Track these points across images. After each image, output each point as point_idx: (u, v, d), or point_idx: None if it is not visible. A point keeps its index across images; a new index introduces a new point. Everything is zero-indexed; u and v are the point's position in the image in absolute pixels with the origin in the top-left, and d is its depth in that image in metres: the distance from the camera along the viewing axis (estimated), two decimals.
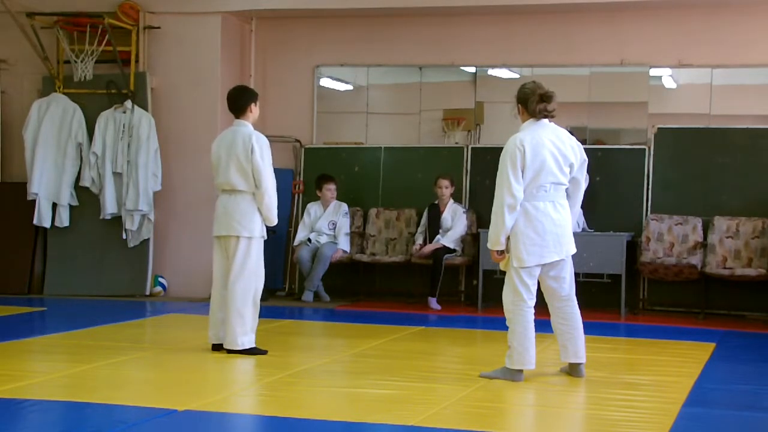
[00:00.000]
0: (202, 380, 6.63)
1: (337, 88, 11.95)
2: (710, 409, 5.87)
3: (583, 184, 6.66)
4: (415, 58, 11.38)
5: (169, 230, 11.27)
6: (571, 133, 6.65)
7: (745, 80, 10.74)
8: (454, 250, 10.58)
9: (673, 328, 9.31)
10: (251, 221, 7.29)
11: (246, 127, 7.39)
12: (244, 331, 7.26)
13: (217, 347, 7.41)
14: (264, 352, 7.31)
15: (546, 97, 6.41)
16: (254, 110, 7.47)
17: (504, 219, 6.31)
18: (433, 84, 11.49)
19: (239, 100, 7.45)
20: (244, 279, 7.27)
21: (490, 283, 9.88)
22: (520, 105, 6.50)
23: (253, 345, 7.32)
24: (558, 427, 5.57)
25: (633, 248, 10.25)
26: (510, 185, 6.29)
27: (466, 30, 11.17)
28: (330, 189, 11.07)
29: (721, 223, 10.19)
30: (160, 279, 11.15)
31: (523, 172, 6.31)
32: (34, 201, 10.96)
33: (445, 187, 10.67)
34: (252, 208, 7.30)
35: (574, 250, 6.53)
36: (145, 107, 11.03)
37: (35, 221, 10.99)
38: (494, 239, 6.39)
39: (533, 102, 6.40)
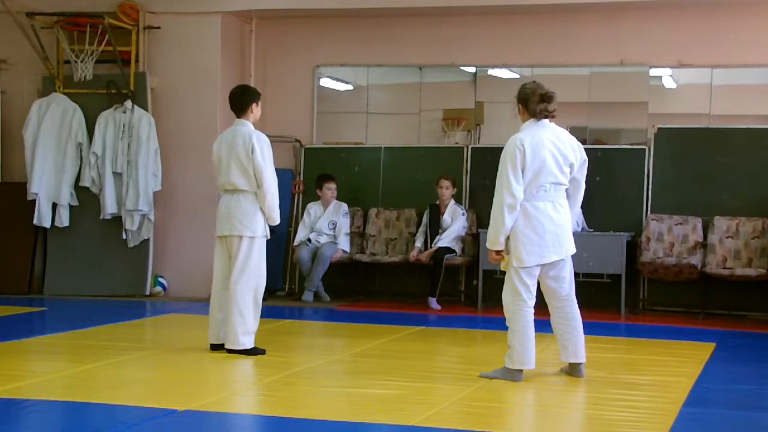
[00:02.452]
0: (202, 380, 6.63)
1: (337, 88, 11.95)
2: (710, 409, 5.88)
3: (583, 184, 6.66)
4: (415, 58, 11.38)
5: (169, 230, 11.27)
6: (572, 133, 6.66)
7: (745, 80, 10.74)
8: (453, 251, 10.58)
9: (673, 328, 9.31)
10: (253, 221, 7.30)
11: (246, 126, 7.39)
12: (246, 330, 7.26)
13: (216, 347, 7.42)
14: (263, 352, 7.31)
15: (546, 97, 6.41)
16: (255, 110, 7.47)
17: (504, 219, 6.31)
18: (433, 84, 11.49)
19: (241, 100, 7.46)
20: (245, 278, 7.27)
21: (490, 283, 9.88)
22: (520, 105, 6.50)
23: (254, 345, 7.32)
24: (558, 427, 5.57)
25: (633, 248, 10.25)
26: (510, 185, 6.29)
27: (466, 30, 11.17)
28: (330, 188, 11.07)
29: (721, 223, 10.19)
30: (160, 279, 11.15)
31: (523, 172, 6.32)
32: (34, 201, 10.96)
33: (446, 188, 10.66)
34: (254, 208, 7.30)
35: (573, 250, 6.54)
36: (145, 107, 11.03)
37: (35, 221, 10.99)
38: (493, 239, 6.40)
39: (534, 102, 6.40)
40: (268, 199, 7.27)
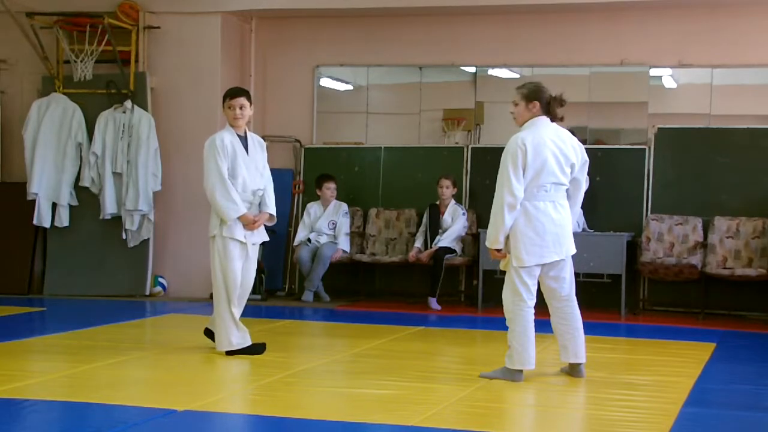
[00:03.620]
0: (202, 380, 6.63)
1: (337, 88, 11.95)
2: (710, 410, 5.87)
3: (584, 184, 6.66)
4: (415, 58, 11.38)
5: (169, 230, 11.26)
6: (573, 134, 6.66)
7: (745, 80, 10.74)
8: (453, 250, 10.58)
9: (673, 328, 9.31)
10: (211, 221, 7.32)
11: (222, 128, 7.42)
12: (230, 331, 7.23)
13: (207, 333, 7.49)
14: (262, 347, 7.30)
15: (564, 102, 6.46)
16: (224, 111, 7.39)
17: (503, 218, 6.31)
18: (433, 84, 11.49)
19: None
20: (215, 280, 7.27)
21: (490, 283, 9.88)
22: (535, 102, 6.44)
23: (246, 344, 7.28)
24: (558, 427, 5.57)
25: (633, 248, 10.25)
26: (511, 184, 6.29)
27: (466, 30, 11.17)
28: (330, 188, 11.07)
29: (721, 223, 10.19)
30: (160, 279, 11.15)
31: (524, 171, 6.32)
32: (34, 201, 10.96)
33: (447, 187, 10.66)
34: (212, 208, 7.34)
35: (574, 251, 6.54)
36: (144, 107, 11.03)
37: (35, 221, 10.99)
38: (493, 238, 6.39)
39: (556, 104, 6.42)
40: (208, 198, 7.24)
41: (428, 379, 6.54)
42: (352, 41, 11.51)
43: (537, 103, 6.45)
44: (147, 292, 11.05)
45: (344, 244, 10.96)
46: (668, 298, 10.39)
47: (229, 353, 7.24)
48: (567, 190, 6.53)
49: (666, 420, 5.46)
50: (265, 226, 7.49)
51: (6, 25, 10.94)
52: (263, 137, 11.41)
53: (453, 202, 10.74)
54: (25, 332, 8.57)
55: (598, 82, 10.89)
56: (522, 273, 6.40)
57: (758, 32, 10.41)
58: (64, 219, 11.06)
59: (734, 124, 10.49)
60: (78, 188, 11.09)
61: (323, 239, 11.02)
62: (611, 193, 10.54)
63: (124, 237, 10.98)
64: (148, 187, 10.89)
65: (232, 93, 7.41)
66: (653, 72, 10.80)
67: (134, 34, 11.11)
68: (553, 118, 6.47)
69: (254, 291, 7.81)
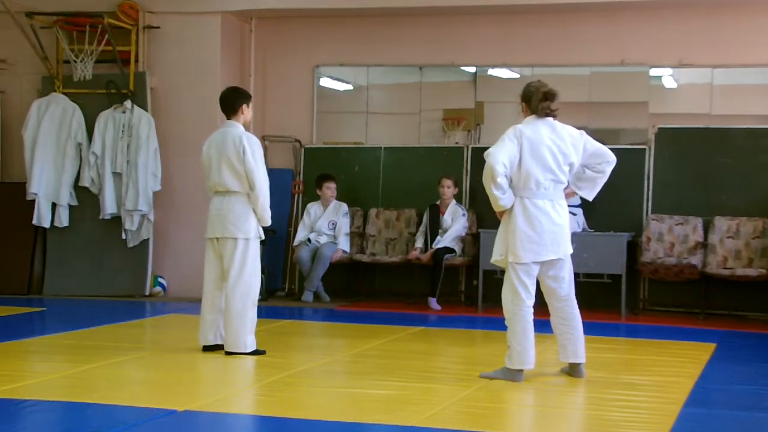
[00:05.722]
0: (202, 380, 6.64)
1: (337, 88, 11.95)
2: (710, 410, 5.87)
3: (604, 176, 6.72)
4: (415, 58, 11.37)
5: (169, 230, 11.26)
6: None
7: (746, 80, 10.74)
8: (453, 250, 10.58)
9: (673, 328, 9.31)
10: (246, 222, 7.26)
11: (236, 128, 7.36)
12: (248, 333, 7.25)
13: (209, 348, 7.40)
14: (263, 353, 7.31)
15: (549, 95, 6.44)
16: (246, 111, 7.42)
17: (492, 191, 6.42)
18: (433, 84, 11.48)
19: (231, 101, 7.43)
20: (244, 281, 7.25)
21: (490, 283, 9.87)
22: (524, 103, 6.52)
23: (255, 346, 7.32)
24: (558, 427, 5.57)
25: (633, 248, 10.25)
26: (504, 149, 6.37)
27: (466, 30, 11.16)
28: (330, 188, 11.07)
29: (721, 223, 10.19)
30: (160, 279, 11.14)
31: (520, 161, 6.34)
32: (33, 201, 10.96)
33: (448, 187, 10.66)
34: (246, 209, 7.26)
35: (570, 250, 6.54)
36: (144, 107, 11.03)
37: (35, 221, 10.98)
38: (495, 204, 6.51)
39: (536, 99, 6.43)
40: (261, 200, 7.23)
41: (428, 379, 6.54)
42: (352, 41, 11.50)
43: (524, 104, 6.53)
44: (147, 292, 11.04)
45: (344, 244, 10.95)
46: (668, 298, 10.39)
47: (229, 353, 7.24)
48: (591, 170, 6.56)
49: (666, 420, 5.46)
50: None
51: (6, 25, 10.93)
52: (263, 137, 11.53)
53: (453, 202, 10.73)
54: (25, 332, 8.57)
55: (598, 82, 10.89)
56: (520, 272, 6.40)
57: (758, 32, 10.40)
58: (63, 219, 11.06)
59: (734, 124, 10.49)
60: (78, 188, 11.09)
61: (323, 239, 11.02)
62: (611, 193, 10.38)
63: (123, 237, 10.98)
64: (147, 187, 10.88)
65: None
66: (653, 72, 10.80)
67: (134, 34, 11.11)
68: (539, 112, 6.46)
69: None
